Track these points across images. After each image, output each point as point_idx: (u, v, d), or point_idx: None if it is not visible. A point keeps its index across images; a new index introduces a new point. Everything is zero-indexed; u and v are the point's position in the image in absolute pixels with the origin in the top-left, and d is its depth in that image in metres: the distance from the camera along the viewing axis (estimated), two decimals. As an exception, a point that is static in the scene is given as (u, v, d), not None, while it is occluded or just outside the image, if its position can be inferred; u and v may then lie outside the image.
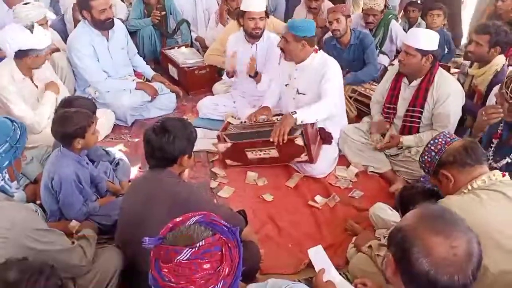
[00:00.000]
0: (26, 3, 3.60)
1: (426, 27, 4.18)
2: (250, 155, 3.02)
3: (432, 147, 1.87)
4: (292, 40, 3.00)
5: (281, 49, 3.10)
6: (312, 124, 2.97)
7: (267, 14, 3.57)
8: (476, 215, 1.56)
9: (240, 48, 3.68)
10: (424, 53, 2.78)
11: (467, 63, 3.43)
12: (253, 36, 3.57)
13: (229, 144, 3.00)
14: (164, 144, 1.87)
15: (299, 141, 2.83)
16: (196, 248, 1.07)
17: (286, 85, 3.29)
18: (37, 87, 3.17)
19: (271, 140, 2.80)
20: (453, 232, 1.10)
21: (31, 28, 2.94)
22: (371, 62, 3.86)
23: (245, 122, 3.26)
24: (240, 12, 3.56)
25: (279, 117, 3.20)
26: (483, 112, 2.33)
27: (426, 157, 1.89)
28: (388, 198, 2.81)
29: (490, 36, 2.89)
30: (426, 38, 2.80)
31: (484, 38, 2.92)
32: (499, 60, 2.96)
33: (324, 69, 3.04)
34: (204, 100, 3.88)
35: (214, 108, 3.82)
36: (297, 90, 3.19)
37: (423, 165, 1.93)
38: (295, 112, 2.86)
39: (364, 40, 3.86)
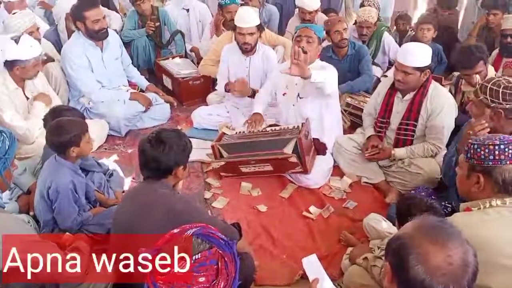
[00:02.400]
0: (14, 13, 3.58)
1: (417, 41, 4.21)
2: (244, 169, 3.05)
3: (497, 151, 1.56)
4: (317, 42, 3.10)
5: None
6: (307, 135, 2.99)
7: (260, 28, 3.57)
8: (480, 236, 1.50)
9: (234, 59, 3.69)
10: (422, 69, 2.80)
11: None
12: (242, 50, 3.59)
13: (222, 163, 3.03)
14: (159, 155, 1.86)
15: (293, 159, 2.86)
16: (192, 261, 1.07)
17: (283, 94, 3.30)
18: (27, 98, 3.16)
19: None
20: (450, 242, 1.11)
21: (17, 39, 2.93)
22: (365, 72, 3.89)
23: (239, 132, 3.27)
24: (233, 25, 3.58)
25: (273, 128, 3.22)
26: (469, 132, 2.17)
27: (482, 151, 1.58)
28: (382, 208, 2.81)
29: (482, 59, 3.07)
30: (421, 55, 2.80)
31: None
32: (490, 72, 3.10)
33: (326, 69, 3.08)
34: (198, 110, 3.88)
35: (208, 118, 3.81)
36: (298, 95, 3.20)
37: (471, 152, 1.63)
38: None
39: (360, 51, 3.90)
